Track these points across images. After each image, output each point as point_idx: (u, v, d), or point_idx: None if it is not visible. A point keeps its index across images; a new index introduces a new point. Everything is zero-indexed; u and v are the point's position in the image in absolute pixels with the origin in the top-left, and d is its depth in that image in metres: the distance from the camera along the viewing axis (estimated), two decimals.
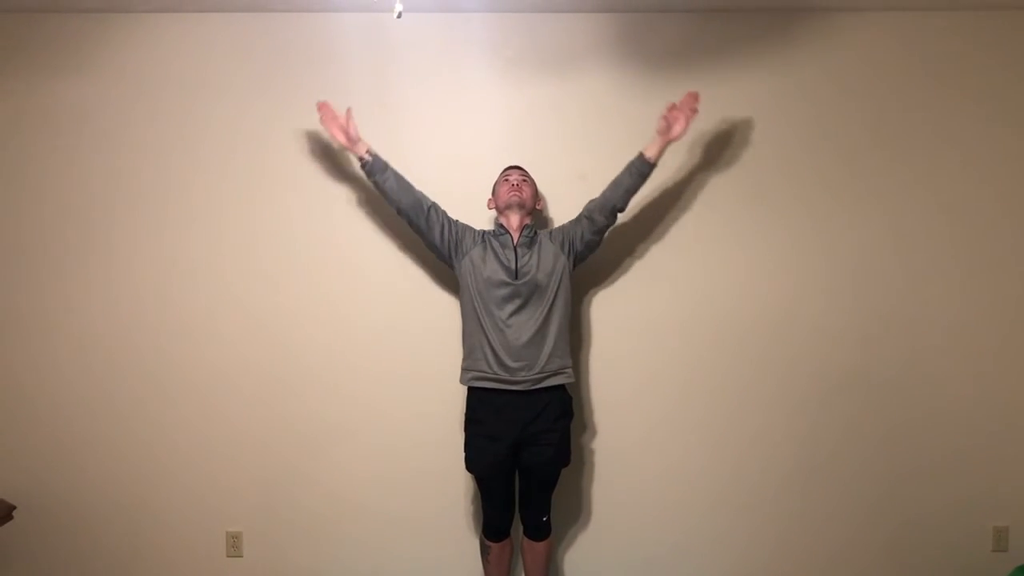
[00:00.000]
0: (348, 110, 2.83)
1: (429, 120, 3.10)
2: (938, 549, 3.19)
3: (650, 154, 2.82)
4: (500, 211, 2.87)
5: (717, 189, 3.13)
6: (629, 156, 3.08)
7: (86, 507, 3.15)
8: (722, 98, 3.09)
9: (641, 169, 2.83)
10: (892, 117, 3.13)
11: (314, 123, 3.06)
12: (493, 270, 2.73)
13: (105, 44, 3.08)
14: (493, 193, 2.92)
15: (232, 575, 3.17)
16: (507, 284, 2.72)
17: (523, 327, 2.71)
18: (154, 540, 3.16)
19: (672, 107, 2.83)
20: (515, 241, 2.79)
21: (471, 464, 2.83)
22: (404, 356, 3.12)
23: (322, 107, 2.86)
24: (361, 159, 2.82)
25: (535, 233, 2.83)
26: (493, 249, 2.78)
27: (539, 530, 2.90)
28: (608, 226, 2.87)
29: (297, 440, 3.14)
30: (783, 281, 3.14)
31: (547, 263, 2.76)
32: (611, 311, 3.13)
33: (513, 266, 2.74)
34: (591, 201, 2.87)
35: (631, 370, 3.15)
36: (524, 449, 2.78)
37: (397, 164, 3.07)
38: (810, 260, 3.14)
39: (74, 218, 3.11)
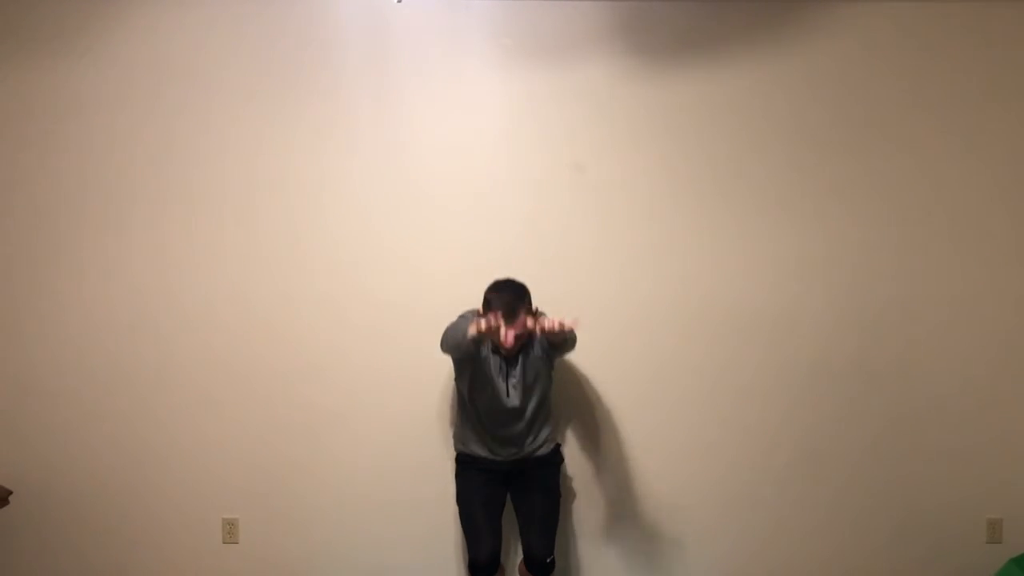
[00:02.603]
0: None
1: (428, 107, 3.08)
2: (933, 541, 3.20)
3: (550, 337, 2.61)
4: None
5: (716, 181, 3.11)
6: (628, 147, 3.09)
7: (83, 493, 3.15)
8: (723, 88, 3.07)
9: (547, 343, 2.73)
10: (894, 108, 3.11)
11: (310, 113, 3.06)
12: (491, 392, 2.75)
13: (100, 29, 3.05)
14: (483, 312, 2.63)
15: (228, 561, 3.17)
16: (500, 403, 2.75)
17: (512, 426, 2.79)
18: (151, 526, 3.17)
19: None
20: (506, 368, 2.75)
21: (460, 491, 2.87)
22: (399, 347, 3.11)
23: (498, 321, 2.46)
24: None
25: (524, 345, 2.75)
26: (490, 371, 2.74)
27: (542, 568, 2.81)
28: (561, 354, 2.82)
29: (293, 429, 3.14)
30: (783, 273, 3.12)
31: (531, 374, 2.77)
32: (610, 303, 3.12)
33: (506, 392, 2.75)
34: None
35: (629, 364, 3.14)
36: (515, 480, 2.83)
37: (396, 151, 3.08)
38: (811, 251, 3.12)
39: (69, 205, 3.09)
